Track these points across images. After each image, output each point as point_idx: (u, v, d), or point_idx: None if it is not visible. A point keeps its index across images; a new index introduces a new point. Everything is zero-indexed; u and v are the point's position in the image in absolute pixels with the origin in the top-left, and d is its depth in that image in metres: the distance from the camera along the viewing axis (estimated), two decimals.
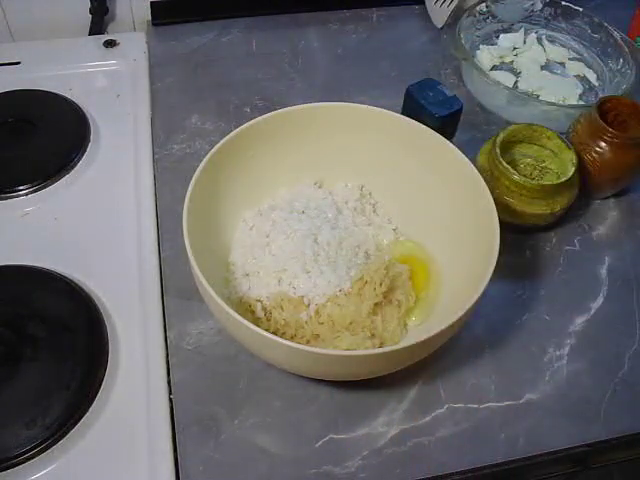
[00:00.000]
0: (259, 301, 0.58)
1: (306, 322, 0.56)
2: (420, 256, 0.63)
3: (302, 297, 0.57)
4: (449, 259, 0.61)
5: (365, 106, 0.62)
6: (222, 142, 0.57)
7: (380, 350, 0.47)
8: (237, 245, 0.62)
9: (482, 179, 0.56)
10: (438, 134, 0.59)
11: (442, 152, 0.59)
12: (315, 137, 0.63)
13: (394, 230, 0.65)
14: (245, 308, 0.58)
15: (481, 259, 0.52)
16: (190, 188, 0.53)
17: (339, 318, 0.56)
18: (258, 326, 0.46)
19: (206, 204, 0.57)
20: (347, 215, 0.64)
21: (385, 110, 0.61)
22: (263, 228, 0.61)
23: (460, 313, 0.48)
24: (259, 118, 0.60)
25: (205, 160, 0.56)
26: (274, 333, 0.50)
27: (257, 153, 0.61)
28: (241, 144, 0.59)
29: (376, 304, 0.57)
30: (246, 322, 0.46)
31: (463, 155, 0.58)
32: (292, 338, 0.56)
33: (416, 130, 0.61)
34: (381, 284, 0.57)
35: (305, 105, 0.61)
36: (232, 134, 0.58)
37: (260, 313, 0.57)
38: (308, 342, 0.56)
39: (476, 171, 0.57)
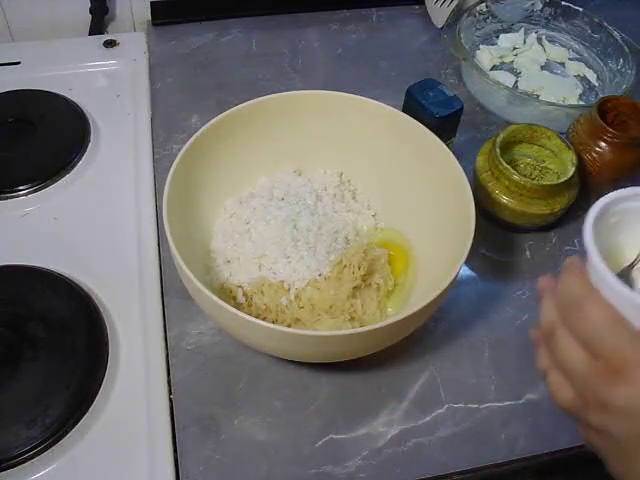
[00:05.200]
0: (240, 287, 0.58)
1: (286, 306, 0.57)
2: (399, 242, 0.64)
3: (282, 282, 0.58)
4: (427, 246, 0.61)
5: (343, 94, 0.62)
6: (201, 131, 0.58)
7: (356, 330, 0.47)
8: (218, 232, 0.62)
9: (459, 165, 0.56)
10: (414, 120, 0.60)
11: (420, 139, 0.60)
12: (294, 125, 0.64)
13: (373, 216, 0.66)
14: (227, 295, 0.58)
15: (458, 246, 0.52)
16: (170, 177, 0.54)
17: (319, 302, 0.57)
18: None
19: (187, 192, 0.57)
20: (326, 202, 0.64)
21: (364, 98, 0.62)
22: (243, 215, 0.62)
23: (435, 294, 0.48)
24: (239, 106, 0.60)
25: (184, 149, 0.56)
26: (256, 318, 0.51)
27: (237, 141, 0.62)
28: (220, 133, 0.60)
29: (355, 287, 0.58)
30: (221, 302, 0.46)
31: (441, 142, 0.58)
32: (273, 323, 0.56)
33: (394, 117, 0.61)
34: (359, 267, 0.58)
35: (284, 93, 0.62)
36: (211, 123, 0.59)
37: (241, 299, 0.57)
38: (289, 326, 0.56)
39: (453, 157, 0.57)
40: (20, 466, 0.50)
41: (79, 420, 0.52)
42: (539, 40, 0.90)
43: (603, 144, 0.66)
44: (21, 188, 0.68)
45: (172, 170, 0.54)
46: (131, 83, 0.82)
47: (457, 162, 0.57)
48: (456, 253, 0.52)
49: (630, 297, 0.32)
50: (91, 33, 0.89)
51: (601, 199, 0.35)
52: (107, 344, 0.57)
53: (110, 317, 0.59)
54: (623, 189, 0.36)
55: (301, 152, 0.66)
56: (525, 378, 0.59)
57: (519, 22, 0.91)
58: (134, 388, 0.55)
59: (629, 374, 0.31)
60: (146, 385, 0.55)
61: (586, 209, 0.75)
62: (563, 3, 0.88)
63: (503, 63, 0.88)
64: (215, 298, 0.47)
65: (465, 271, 0.66)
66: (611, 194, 0.36)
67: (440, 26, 0.92)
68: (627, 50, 0.82)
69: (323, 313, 0.57)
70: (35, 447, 0.50)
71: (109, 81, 0.82)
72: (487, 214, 0.67)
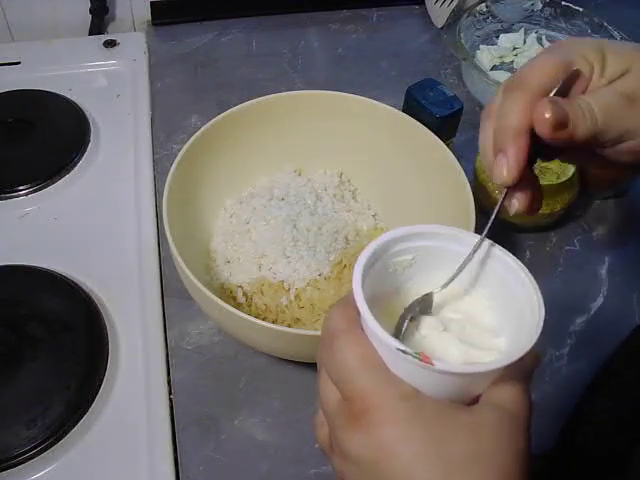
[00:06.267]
0: (240, 287, 0.58)
1: (286, 306, 0.57)
2: None
3: (282, 282, 0.58)
4: None
5: (344, 94, 0.62)
6: (201, 131, 0.58)
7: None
8: (218, 232, 0.62)
9: (459, 165, 0.56)
10: (414, 120, 0.60)
11: (420, 139, 0.60)
12: (294, 125, 0.64)
13: (373, 216, 0.66)
14: (227, 295, 0.58)
15: None
16: (169, 177, 0.54)
17: (319, 302, 0.57)
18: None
19: (187, 193, 0.58)
20: (326, 201, 0.65)
21: (364, 98, 0.62)
22: (243, 215, 0.62)
23: None
24: (239, 106, 0.60)
25: (184, 149, 0.56)
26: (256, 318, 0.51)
27: (237, 141, 0.62)
28: (220, 133, 0.60)
29: None
30: (222, 302, 0.46)
31: (441, 142, 0.58)
32: (273, 323, 0.56)
33: (394, 117, 0.61)
34: None
35: (284, 93, 0.62)
36: (211, 123, 0.59)
37: (241, 299, 0.57)
38: (289, 326, 0.56)
39: (453, 157, 0.57)
40: (20, 466, 0.50)
41: (79, 420, 0.52)
42: (539, 40, 0.90)
43: None
44: (21, 188, 0.68)
45: (172, 170, 0.54)
46: (131, 83, 0.82)
47: (457, 162, 0.57)
48: None
49: (382, 337, 0.28)
50: (91, 33, 0.89)
51: (387, 232, 0.32)
52: (107, 344, 0.57)
53: (110, 317, 0.59)
54: (423, 225, 0.33)
55: (301, 152, 0.66)
56: None
57: (519, 22, 0.90)
58: (134, 388, 0.55)
59: (368, 420, 0.28)
60: (146, 385, 0.55)
61: (586, 209, 0.74)
62: (563, 3, 0.88)
63: (503, 63, 0.88)
64: (215, 298, 0.47)
65: None
66: (401, 229, 0.33)
67: (440, 26, 0.92)
68: None
69: (323, 313, 0.57)
70: (35, 447, 0.50)
71: (109, 81, 0.82)
72: (487, 214, 0.67)
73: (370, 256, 0.31)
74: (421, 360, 0.27)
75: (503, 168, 0.33)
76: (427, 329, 0.32)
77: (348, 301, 0.31)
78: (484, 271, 0.33)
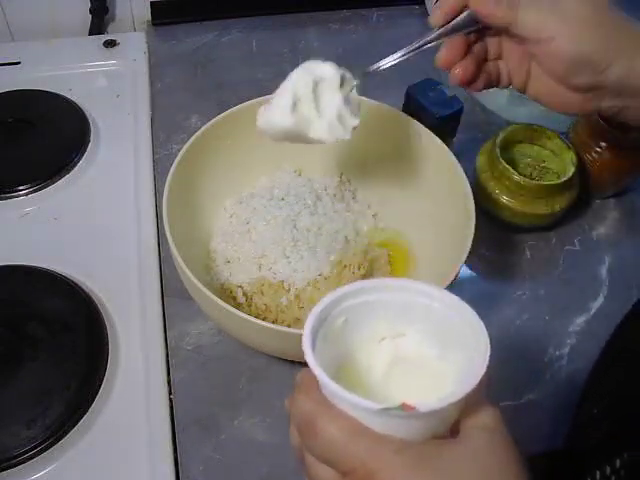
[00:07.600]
0: (240, 287, 0.58)
1: (286, 306, 0.57)
2: (399, 242, 0.64)
3: (282, 282, 0.58)
4: (427, 246, 0.61)
5: None
6: (201, 131, 0.58)
7: None
8: (218, 232, 0.62)
9: (459, 165, 0.56)
10: (413, 119, 0.60)
11: (420, 139, 0.60)
12: None
13: (373, 216, 0.66)
14: (227, 295, 0.58)
15: (458, 246, 0.52)
16: (169, 177, 0.54)
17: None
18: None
19: (187, 192, 0.58)
20: (326, 202, 0.64)
21: (363, 98, 0.62)
22: (243, 215, 0.62)
23: None
24: (239, 106, 0.60)
25: (184, 149, 0.56)
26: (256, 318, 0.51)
27: (237, 141, 0.62)
28: (220, 133, 0.60)
29: None
30: (222, 302, 0.46)
31: (441, 142, 0.58)
32: (273, 323, 0.56)
33: (394, 117, 0.61)
34: (359, 267, 0.58)
35: None
36: (211, 123, 0.59)
37: (241, 299, 0.57)
38: (289, 326, 0.56)
39: (453, 157, 0.57)
40: (20, 466, 0.50)
41: (79, 420, 0.52)
42: None
43: (603, 144, 0.66)
44: (21, 188, 0.68)
45: (172, 170, 0.55)
46: (131, 83, 0.82)
47: (457, 162, 0.57)
48: (456, 253, 0.52)
49: (361, 403, 0.28)
50: (91, 33, 0.89)
51: (316, 306, 0.32)
52: (107, 344, 0.57)
53: (110, 317, 0.59)
54: (342, 287, 0.33)
55: (301, 152, 0.66)
56: (525, 378, 0.59)
57: None
58: (134, 388, 0.55)
59: None
60: (146, 385, 0.55)
61: (586, 209, 0.74)
62: None
63: None
64: (215, 298, 0.47)
65: (465, 271, 0.66)
66: (326, 298, 0.32)
67: None
68: None
69: None
70: (35, 447, 0.50)
71: (109, 81, 0.82)
72: (487, 214, 0.67)
73: (312, 329, 0.31)
74: (404, 410, 0.28)
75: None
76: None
77: (308, 386, 0.31)
78: (411, 308, 0.34)
